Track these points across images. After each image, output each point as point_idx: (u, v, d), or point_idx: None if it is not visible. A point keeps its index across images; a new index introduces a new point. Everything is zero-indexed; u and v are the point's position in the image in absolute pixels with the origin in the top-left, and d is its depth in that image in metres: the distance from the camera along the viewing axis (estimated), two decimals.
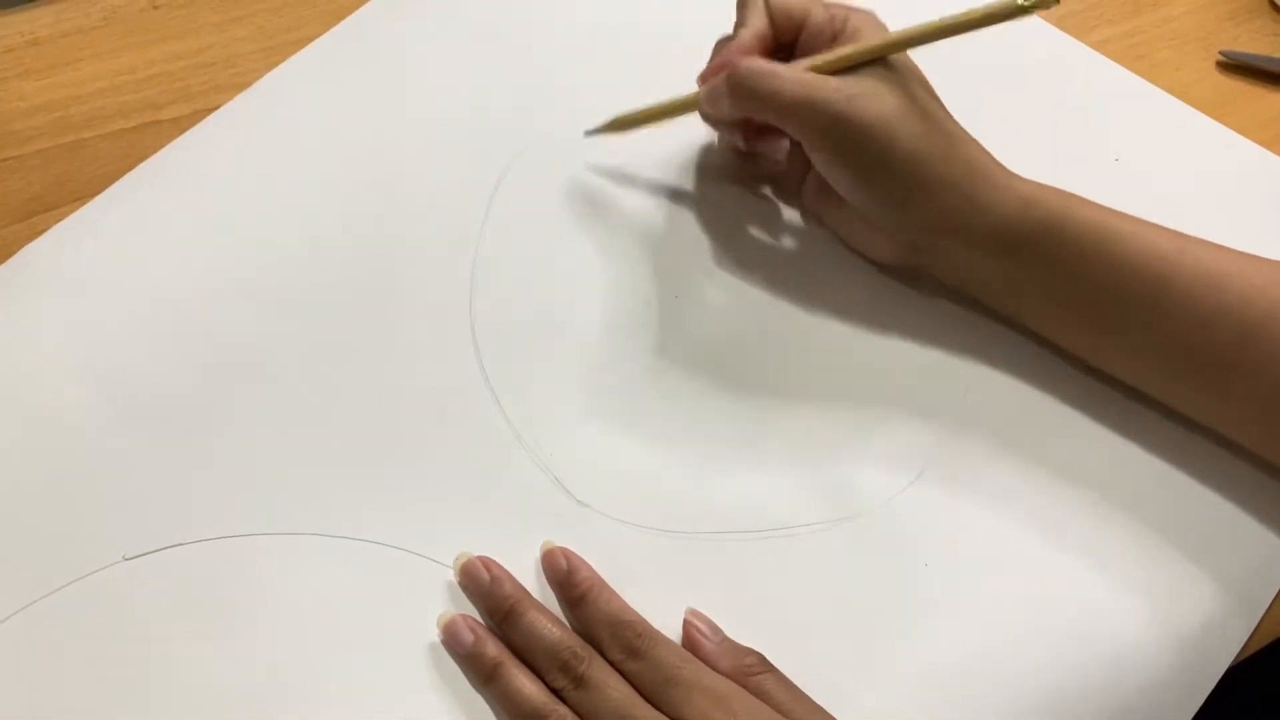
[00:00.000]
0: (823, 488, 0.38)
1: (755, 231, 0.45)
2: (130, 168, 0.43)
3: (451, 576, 0.36)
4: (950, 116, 0.39)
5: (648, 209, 0.45)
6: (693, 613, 0.35)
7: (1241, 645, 0.36)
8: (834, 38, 0.40)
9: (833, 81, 0.37)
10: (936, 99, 0.39)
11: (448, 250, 0.43)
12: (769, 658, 0.34)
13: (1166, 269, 0.37)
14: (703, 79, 0.41)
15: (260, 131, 0.45)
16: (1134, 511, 0.38)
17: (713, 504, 0.38)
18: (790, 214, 0.45)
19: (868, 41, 0.38)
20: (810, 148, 0.39)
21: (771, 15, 0.40)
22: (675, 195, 0.45)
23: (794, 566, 0.37)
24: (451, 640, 0.34)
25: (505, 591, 0.35)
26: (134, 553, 0.35)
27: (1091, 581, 0.37)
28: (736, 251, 0.44)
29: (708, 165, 0.46)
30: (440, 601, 0.35)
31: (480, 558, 0.36)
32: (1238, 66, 0.52)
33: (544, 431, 0.39)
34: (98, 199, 0.42)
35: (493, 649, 0.33)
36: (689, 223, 0.44)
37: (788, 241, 0.44)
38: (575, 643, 0.33)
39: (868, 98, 0.37)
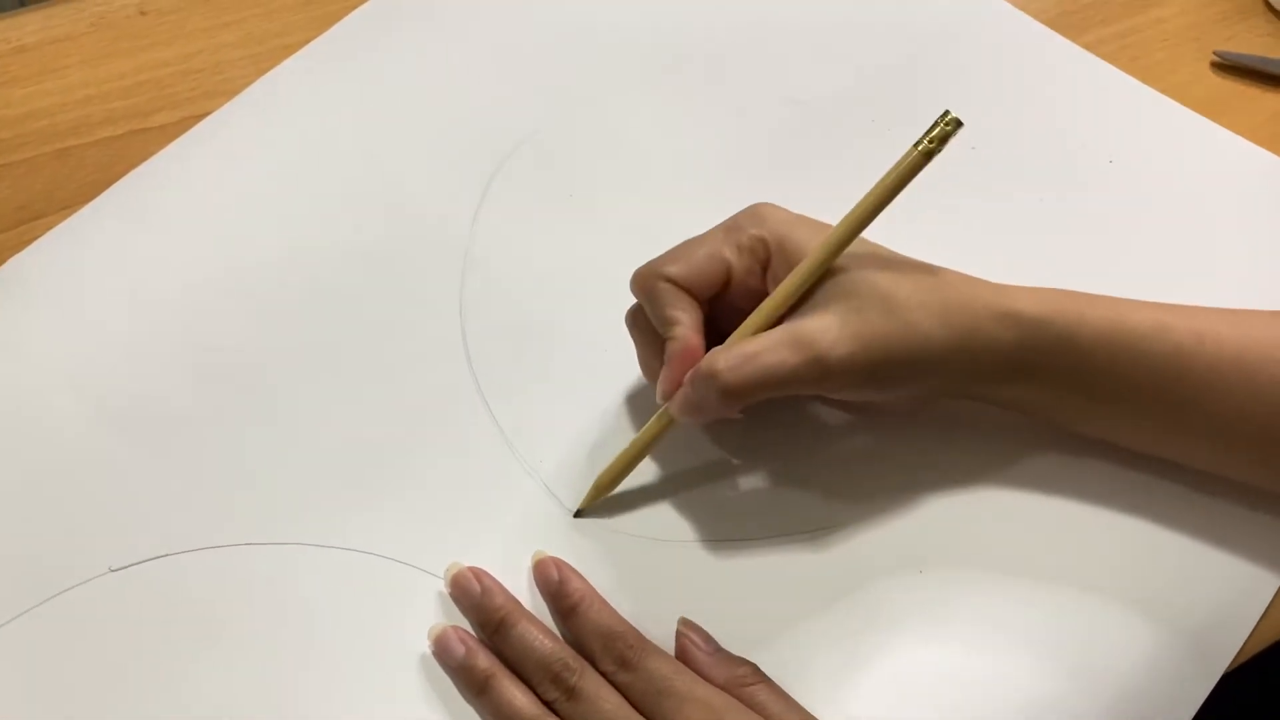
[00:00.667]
0: (816, 495, 0.38)
1: None
2: (118, 176, 0.43)
3: (442, 587, 0.35)
4: (922, 271, 0.35)
5: (640, 212, 0.44)
6: (685, 622, 0.35)
7: (1239, 649, 0.36)
8: (764, 268, 0.36)
9: (807, 328, 0.33)
10: (900, 265, 0.35)
11: (437, 256, 0.42)
12: (762, 668, 0.33)
13: (1188, 363, 0.35)
14: (666, 394, 0.35)
15: (249, 139, 0.45)
16: (1129, 515, 0.38)
17: (705, 512, 0.37)
18: None
19: (804, 266, 0.34)
20: (828, 395, 0.37)
21: (696, 295, 0.36)
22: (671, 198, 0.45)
23: (788, 575, 0.36)
24: (442, 652, 0.34)
25: (496, 603, 0.34)
26: (120, 564, 0.35)
27: (1087, 587, 0.37)
28: None
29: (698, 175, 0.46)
30: (431, 613, 0.35)
31: (471, 568, 0.35)
32: (1232, 67, 0.52)
33: (535, 439, 0.38)
34: (86, 208, 0.42)
35: (484, 661, 0.33)
36: (680, 226, 0.44)
37: None
38: (567, 654, 0.33)
39: (850, 329, 0.33)
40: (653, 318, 0.36)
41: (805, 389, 0.34)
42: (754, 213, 0.36)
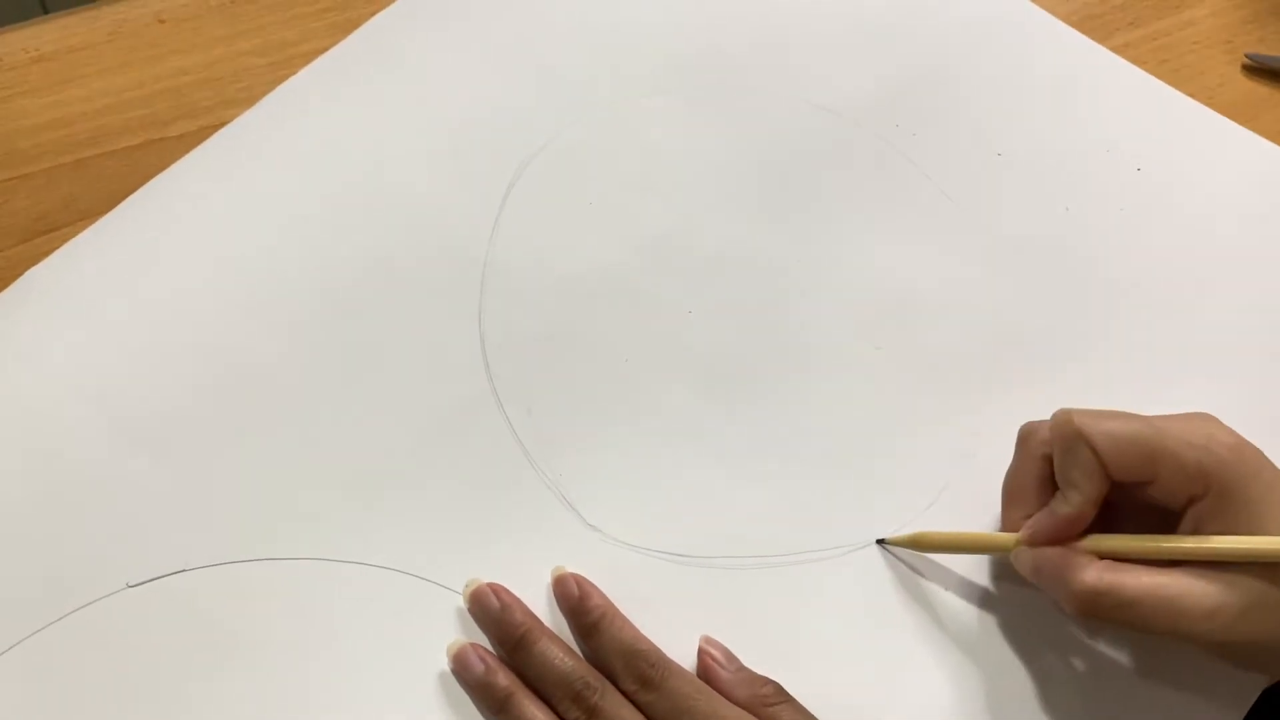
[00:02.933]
0: (840, 512, 0.37)
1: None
2: (136, 186, 0.43)
3: (461, 603, 0.35)
4: None
5: (662, 219, 0.44)
6: (707, 640, 0.34)
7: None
8: (1190, 499, 0.32)
9: (1205, 603, 0.30)
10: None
11: (456, 264, 0.42)
12: (786, 687, 0.33)
13: None
14: (1025, 541, 0.34)
15: (268, 148, 0.44)
16: None
17: (728, 529, 0.37)
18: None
19: (1253, 547, 0.31)
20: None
21: (1109, 473, 0.33)
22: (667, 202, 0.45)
23: (811, 593, 0.36)
24: (461, 669, 0.33)
25: (516, 619, 0.34)
26: (138, 579, 0.34)
27: None
28: (753, 265, 0.43)
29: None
30: (450, 629, 0.34)
31: (490, 584, 0.35)
32: (1264, 70, 0.51)
33: (555, 451, 0.38)
34: (103, 219, 0.42)
35: (503, 679, 0.33)
36: (702, 234, 0.44)
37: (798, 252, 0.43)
38: (588, 672, 0.33)
39: (1253, 619, 0.30)
40: (1058, 467, 0.34)
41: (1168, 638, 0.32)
42: (1212, 445, 0.32)
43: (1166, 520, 0.33)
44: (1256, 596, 0.30)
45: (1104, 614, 0.32)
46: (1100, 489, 0.33)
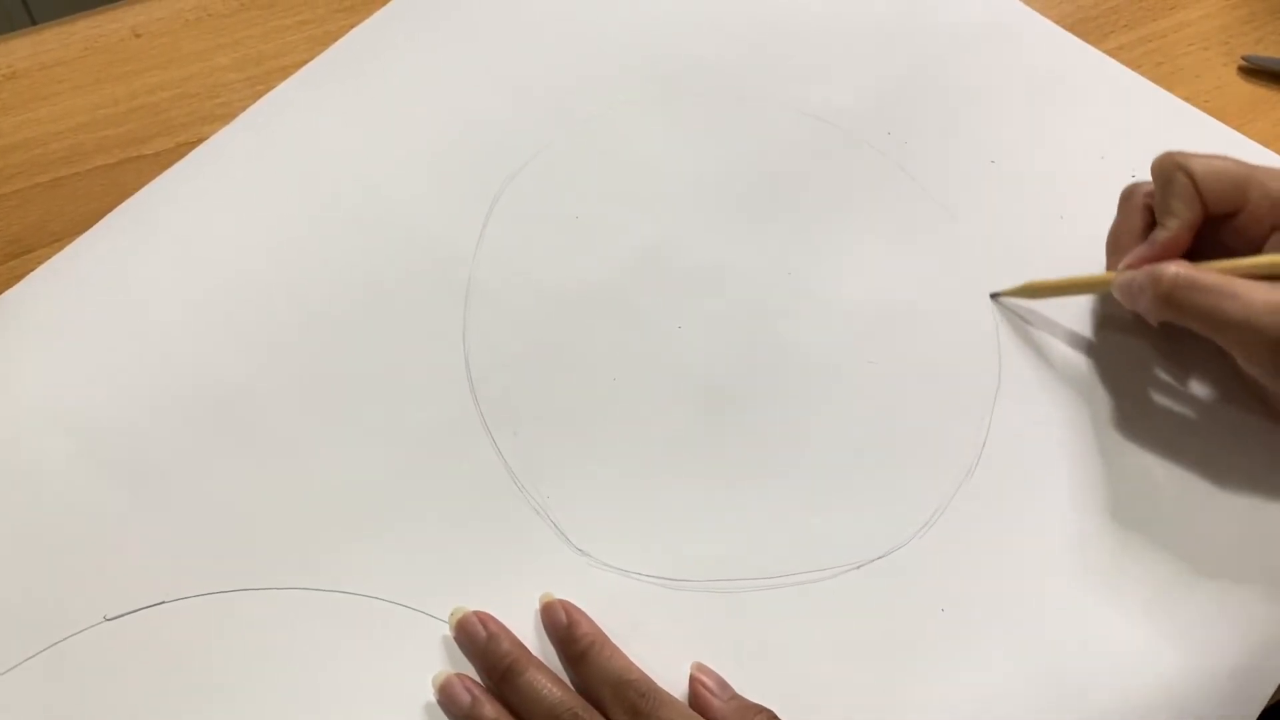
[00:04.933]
0: (833, 534, 0.37)
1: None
2: (112, 206, 0.42)
3: (447, 632, 0.34)
4: None
5: (649, 233, 0.43)
6: (699, 668, 0.34)
7: (1276, 686, 0.35)
8: (1274, 226, 0.37)
9: (1274, 297, 0.34)
10: None
11: (440, 281, 0.41)
12: (780, 714, 0.32)
13: None
14: (1127, 266, 0.38)
15: (246, 164, 0.44)
16: (1159, 553, 0.37)
17: (719, 552, 0.36)
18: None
19: None
20: (1243, 362, 0.37)
21: (1204, 202, 0.37)
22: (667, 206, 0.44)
23: (804, 617, 0.35)
24: (448, 701, 0.33)
25: (503, 649, 0.33)
26: (116, 612, 0.34)
27: (1116, 625, 0.35)
28: (743, 278, 0.42)
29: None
30: (435, 659, 0.34)
31: (476, 613, 0.34)
32: (1261, 71, 0.50)
33: (542, 474, 0.37)
34: (78, 241, 0.41)
35: (490, 710, 0.32)
36: (692, 247, 0.43)
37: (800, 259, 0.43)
38: (576, 703, 0.32)
39: None
40: (1157, 201, 0.38)
41: (1228, 346, 0.36)
42: None
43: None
44: None
45: (1181, 303, 0.35)
46: (1195, 215, 0.37)
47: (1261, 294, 0.34)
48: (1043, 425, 0.39)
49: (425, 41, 0.48)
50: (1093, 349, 0.41)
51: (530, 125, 0.46)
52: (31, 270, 0.40)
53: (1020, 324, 0.42)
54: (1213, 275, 0.35)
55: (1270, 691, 0.34)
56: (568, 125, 0.45)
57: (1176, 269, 0.35)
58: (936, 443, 0.39)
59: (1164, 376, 0.40)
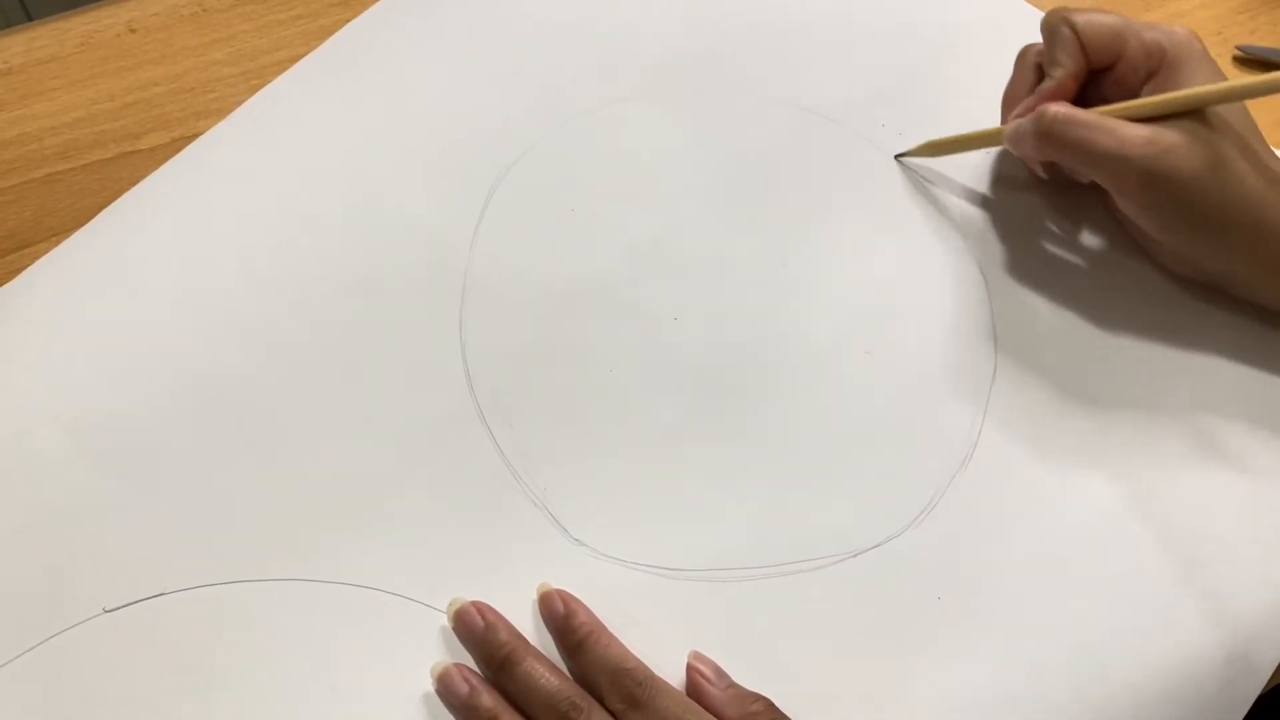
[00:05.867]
0: (829, 523, 0.37)
1: (741, 269, 0.43)
2: (108, 201, 0.42)
3: (445, 622, 0.34)
4: (1273, 165, 0.38)
5: (645, 226, 0.43)
6: (696, 656, 0.34)
7: (1273, 670, 0.35)
8: (1149, 74, 0.39)
9: (1144, 133, 0.37)
10: (1259, 147, 0.39)
11: (436, 275, 0.41)
12: (776, 702, 0.32)
13: None
14: (1015, 116, 0.41)
15: (242, 159, 0.44)
16: (1155, 542, 0.37)
17: (717, 541, 0.36)
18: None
19: (1181, 92, 0.37)
20: (1117, 196, 0.39)
21: (1086, 52, 0.40)
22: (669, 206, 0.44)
23: (801, 606, 0.35)
24: (446, 691, 0.33)
25: (501, 639, 0.33)
26: (115, 604, 0.34)
27: (1111, 612, 0.35)
28: (740, 270, 0.42)
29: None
30: (434, 649, 0.34)
31: (474, 603, 0.34)
32: (1255, 62, 0.50)
33: (539, 465, 0.37)
34: (74, 236, 0.41)
35: (488, 700, 0.32)
36: (687, 240, 0.43)
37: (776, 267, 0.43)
38: (574, 692, 0.32)
39: (1178, 151, 0.36)
40: (1045, 55, 0.41)
41: (1102, 179, 0.38)
42: (1170, 28, 0.40)
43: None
44: (1186, 133, 0.37)
45: (1060, 137, 0.38)
46: (1079, 65, 0.40)
47: (1134, 129, 0.37)
48: (1039, 413, 0.39)
49: (420, 35, 0.48)
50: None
51: (526, 118, 0.46)
52: (28, 265, 0.40)
53: (1015, 318, 0.42)
54: (1090, 114, 0.38)
55: (1266, 677, 0.35)
56: (563, 118, 0.45)
57: (1057, 108, 0.38)
58: (933, 431, 0.39)
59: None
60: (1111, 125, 0.37)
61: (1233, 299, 0.41)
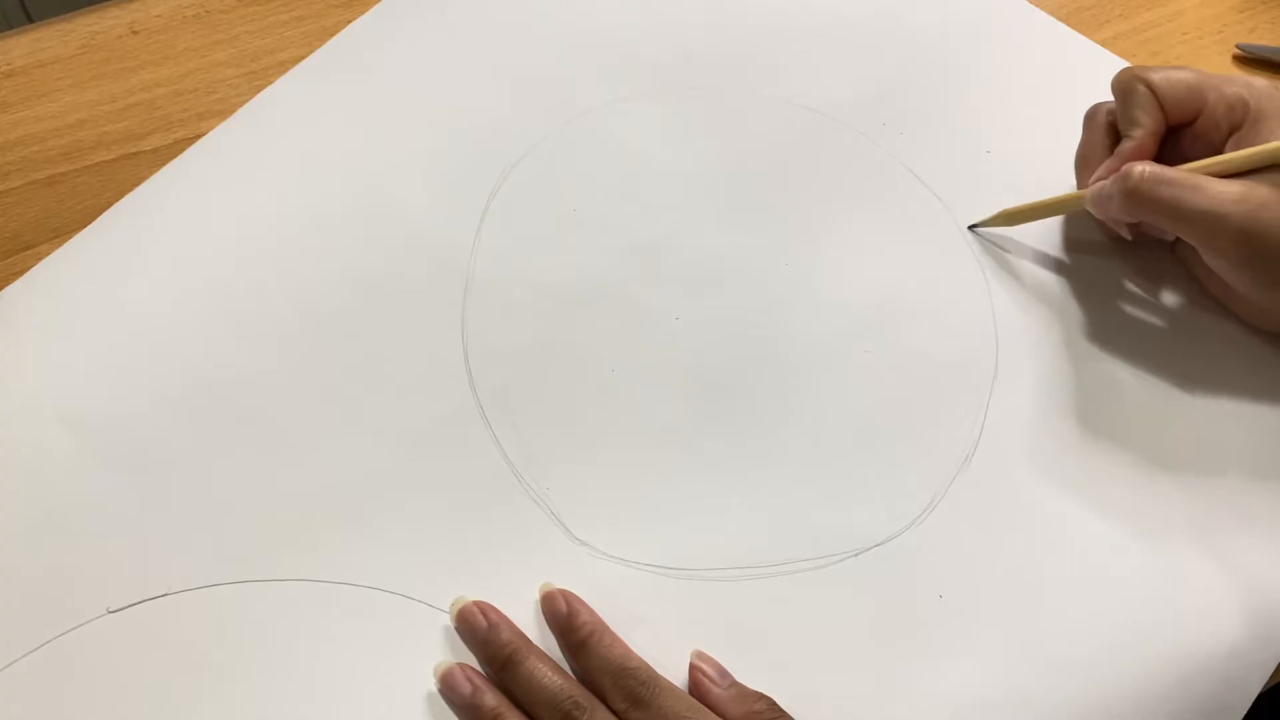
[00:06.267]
0: (831, 522, 0.37)
1: (755, 267, 0.43)
2: (111, 202, 0.42)
3: (448, 622, 0.34)
4: None
5: (646, 225, 0.43)
6: (699, 655, 0.34)
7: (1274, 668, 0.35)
8: (1232, 128, 0.39)
9: (1235, 189, 0.36)
10: None
11: (438, 275, 0.41)
12: (779, 702, 0.32)
13: None
14: (1098, 178, 0.40)
15: (244, 160, 0.44)
16: (1156, 538, 0.37)
17: (719, 540, 0.36)
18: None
19: (1270, 145, 0.37)
20: (1209, 256, 0.38)
21: (1164, 111, 0.39)
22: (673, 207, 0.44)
23: (803, 604, 0.35)
24: (449, 690, 0.33)
25: (504, 638, 0.33)
26: (119, 604, 0.34)
27: (1114, 608, 0.35)
28: (741, 270, 0.42)
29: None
30: (437, 649, 0.34)
31: (477, 602, 0.34)
32: (1256, 60, 0.50)
33: (542, 465, 0.37)
34: (77, 237, 0.41)
35: (491, 699, 0.32)
36: (688, 239, 0.43)
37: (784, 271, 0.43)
38: (577, 691, 0.32)
39: (1273, 207, 0.36)
40: (1120, 114, 0.40)
41: (1195, 239, 0.37)
42: (1249, 80, 0.39)
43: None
44: (1275, 191, 0.36)
45: (1149, 197, 0.37)
46: (1158, 122, 0.39)
47: (1225, 186, 0.36)
48: (1040, 411, 0.39)
49: (422, 35, 0.48)
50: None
51: (527, 118, 0.46)
52: (31, 266, 0.41)
53: (1016, 317, 0.42)
54: (1178, 171, 0.37)
55: (1268, 675, 0.35)
56: (564, 119, 0.46)
57: (1144, 166, 0.37)
58: (934, 430, 0.39)
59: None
60: (1201, 182, 0.36)
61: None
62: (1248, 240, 0.36)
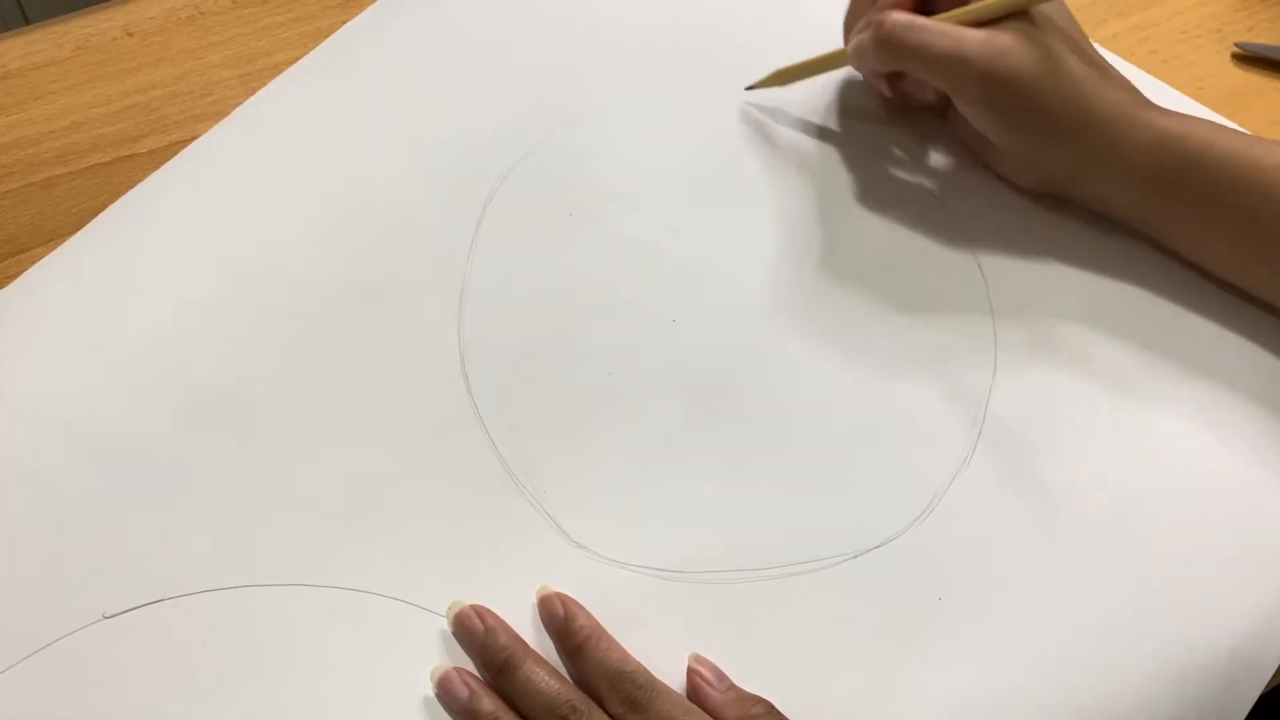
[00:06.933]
0: (830, 524, 0.37)
1: (752, 245, 0.43)
2: (106, 205, 0.42)
3: (445, 626, 0.34)
4: (1095, 58, 0.41)
5: (643, 229, 0.43)
6: (696, 659, 0.34)
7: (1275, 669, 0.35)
8: None
9: (979, 35, 0.39)
10: (1082, 42, 0.41)
11: (435, 279, 0.41)
12: (777, 705, 0.32)
13: None
14: (857, 33, 0.42)
15: (239, 162, 0.44)
16: (1156, 538, 0.37)
17: (715, 543, 0.36)
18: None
19: None
20: (958, 99, 0.40)
21: None
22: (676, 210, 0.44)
23: (801, 607, 0.35)
24: (446, 695, 0.33)
25: (501, 642, 0.33)
26: (115, 610, 0.34)
27: (1115, 609, 0.35)
28: (737, 271, 0.42)
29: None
30: (433, 653, 0.34)
31: (474, 606, 0.34)
32: (1255, 59, 0.50)
33: (538, 468, 0.37)
34: (72, 240, 0.41)
35: (488, 703, 0.32)
36: (685, 242, 0.43)
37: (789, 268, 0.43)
38: (574, 695, 0.32)
39: (1013, 51, 0.38)
40: None
41: (943, 82, 0.40)
42: None
43: None
44: (1019, 33, 0.39)
45: (900, 43, 0.39)
46: None
47: (971, 33, 0.39)
48: (1038, 413, 0.39)
49: (417, 37, 0.48)
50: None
51: (523, 121, 0.46)
52: (26, 269, 0.40)
53: (1016, 317, 0.42)
54: (928, 20, 0.39)
55: (1269, 676, 0.35)
56: (561, 121, 0.45)
57: (895, 15, 0.39)
58: (932, 431, 0.39)
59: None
60: (949, 29, 0.39)
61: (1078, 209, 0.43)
62: (989, 82, 0.39)
